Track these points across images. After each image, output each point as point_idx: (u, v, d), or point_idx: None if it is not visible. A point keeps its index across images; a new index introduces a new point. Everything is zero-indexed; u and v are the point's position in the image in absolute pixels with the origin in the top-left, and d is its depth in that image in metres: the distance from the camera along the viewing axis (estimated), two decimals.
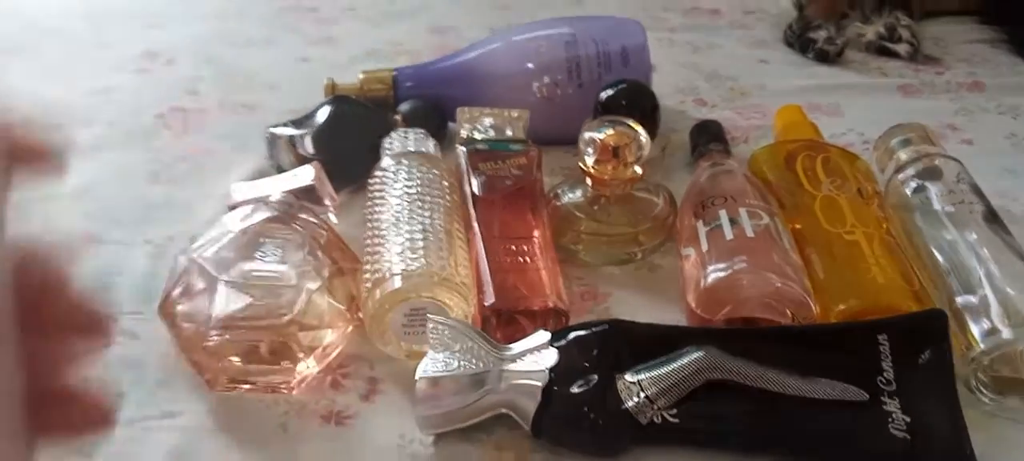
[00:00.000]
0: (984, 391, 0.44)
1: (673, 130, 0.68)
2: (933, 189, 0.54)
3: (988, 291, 0.46)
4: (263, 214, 0.48)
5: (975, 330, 0.44)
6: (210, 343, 0.41)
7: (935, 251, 0.50)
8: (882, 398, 0.41)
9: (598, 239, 0.54)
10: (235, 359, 0.43)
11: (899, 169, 0.57)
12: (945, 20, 0.88)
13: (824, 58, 0.80)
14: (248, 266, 0.44)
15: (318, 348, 0.44)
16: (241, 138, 0.67)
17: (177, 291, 0.44)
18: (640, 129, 0.53)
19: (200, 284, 0.44)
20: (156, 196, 0.60)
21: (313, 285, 0.44)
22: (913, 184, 0.55)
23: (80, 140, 0.67)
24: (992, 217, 0.51)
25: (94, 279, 0.51)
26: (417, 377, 0.41)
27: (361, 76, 0.68)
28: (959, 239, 0.50)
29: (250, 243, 0.46)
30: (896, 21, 0.81)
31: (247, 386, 0.44)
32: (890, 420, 0.40)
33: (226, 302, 0.42)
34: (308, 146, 0.60)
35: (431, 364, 0.41)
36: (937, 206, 0.52)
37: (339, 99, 0.63)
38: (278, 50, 0.84)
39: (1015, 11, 0.84)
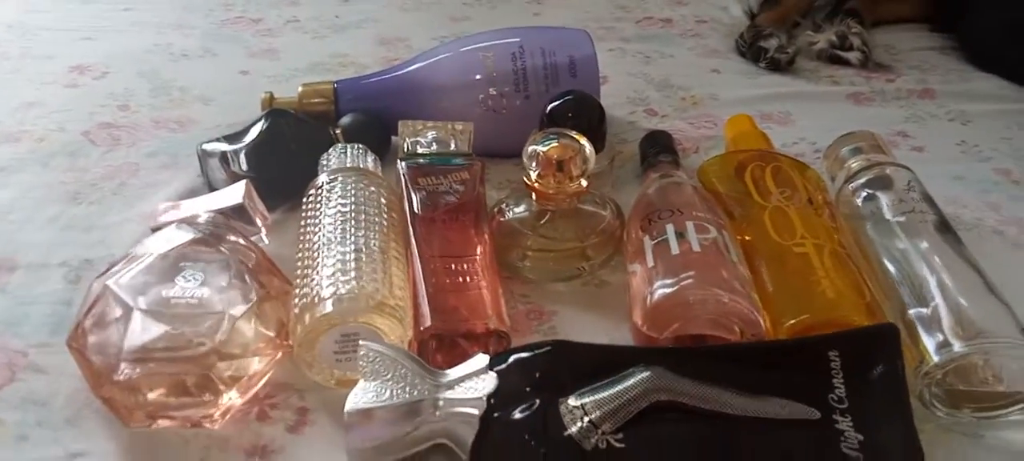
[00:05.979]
0: (938, 404, 0.43)
1: (624, 141, 0.67)
2: (884, 198, 0.53)
3: (940, 302, 0.45)
4: (187, 235, 0.45)
5: (928, 343, 0.43)
6: (120, 377, 0.38)
7: (887, 262, 0.49)
8: (834, 416, 0.40)
9: (545, 255, 0.52)
10: (152, 394, 0.40)
11: (850, 178, 0.56)
12: (896, 27, 0.88)
13: (776, 67, 0.79)
14: (167, 292, 0.41)
15: (242, 378, 0.41)
16: (172, 155, 0.64)
17: (89, 321, 0.41)
18: (585, 141, 0.51)
19: (115, 312, 0.41)
20: (76, 217, 0.57)
21: (237, 311, 0.41)
22: (864, 193, 0.54)
23: (1, 159, 0.63)
24: (944, 226, 0.50)
25: (3, 310, 0.48)
26: (346, 409, 0.38)
27: (300, 89, 0.65)
28: (911, 249, 0.49)
29: (171, 267, 0.43)
30: (847, 29, 0.81)
31: (166, 421, 0.41)
32: (842, 439, 0.39)
33: (141, 332, 0.39)
34: (242, 163, 0.57)
35: (362, 394, 0.39)
36: (888, 216, 0.51)
37: (275, 113, 0.60)
38: (217, 63, 0.81)
39: (965, 18, 0.84)
